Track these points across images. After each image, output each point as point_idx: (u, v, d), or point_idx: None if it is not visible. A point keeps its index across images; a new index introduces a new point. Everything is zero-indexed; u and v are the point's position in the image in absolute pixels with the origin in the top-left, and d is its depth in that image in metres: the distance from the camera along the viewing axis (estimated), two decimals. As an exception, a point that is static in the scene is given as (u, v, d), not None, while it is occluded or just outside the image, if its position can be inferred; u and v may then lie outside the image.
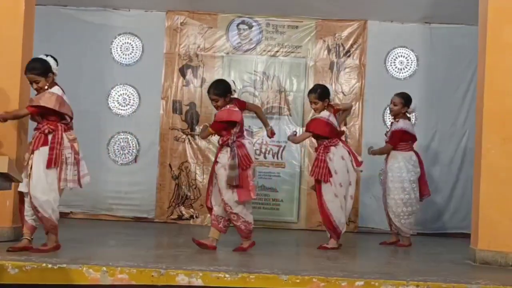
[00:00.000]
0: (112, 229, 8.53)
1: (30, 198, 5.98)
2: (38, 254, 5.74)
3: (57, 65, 6.27)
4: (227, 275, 5.17)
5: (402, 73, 10.18)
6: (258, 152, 10.03)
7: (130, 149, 10.06)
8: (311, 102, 7.70)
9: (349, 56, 10.15)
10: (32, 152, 6.04)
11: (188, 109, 10.05)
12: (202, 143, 10.05)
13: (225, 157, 6.77)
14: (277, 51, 10.19)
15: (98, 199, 9.92)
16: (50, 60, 6.20)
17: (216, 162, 6.89)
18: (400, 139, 8.24)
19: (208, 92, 7.02)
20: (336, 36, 10.15)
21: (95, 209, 9.93)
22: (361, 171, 8.16)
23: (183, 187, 10.01)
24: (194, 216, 9.99)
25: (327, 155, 7.44)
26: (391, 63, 10.17)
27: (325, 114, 7.61)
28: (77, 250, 6.31)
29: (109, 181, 9.88)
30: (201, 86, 10.10)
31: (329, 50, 10.16)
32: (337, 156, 7.47)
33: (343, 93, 10.05)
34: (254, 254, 6.79)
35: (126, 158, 10.00)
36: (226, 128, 6.83)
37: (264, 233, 8.44)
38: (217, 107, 6.94)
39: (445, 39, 10.02)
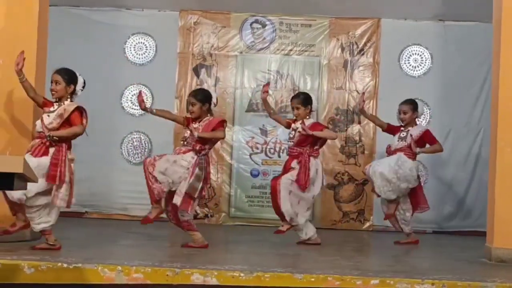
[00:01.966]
0: (126, 228, 8.55)
1: (26, 204, 5.96)
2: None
3: (83, 88, 6.36)
4: (242, 274, 5.16)
5: (416, 71, 10.15)
6: (272, 151, 10.04)
7: (142, 149, 10.08)
8: (293, 108, 7.59)
9: (363, 54, 10.13)
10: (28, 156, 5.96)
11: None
12: (217, 143, 10.03)
13: (188, 159, 6.59)
14: (290, 50, 10.18)
15: (112, 198, 9.95)
16: (80, 78, 6.32)
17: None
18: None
19: (189, 95, 6.99)
20: (350, 34, 10.13)
21: (109, 209, 9.96)
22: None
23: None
24: (209, 215, 10.00)
25: (309, 164, 7.32)
26: (405, 61, 10.15)
27: (313, 121, 7.63)
28: (92, 249, 6.32)
29: (123, 181, 9.90)
30: (215, 85, 10.11)
31: (342, 49, 10.14)
32: (313, 168, 7.37)
33: (357, 91, 10.03)
34: (269, 253, 6.79)
35: (139, 157, 10.02)
36: (208, 141, 6.74)
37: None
38: (191, 112, 6.82)
39: (459, 36, 9.98)
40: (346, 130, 10.08)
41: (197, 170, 6.55)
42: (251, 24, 10.21)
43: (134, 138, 10.11)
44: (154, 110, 7.11)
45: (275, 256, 6.61)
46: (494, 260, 6.56)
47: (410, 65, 10.14)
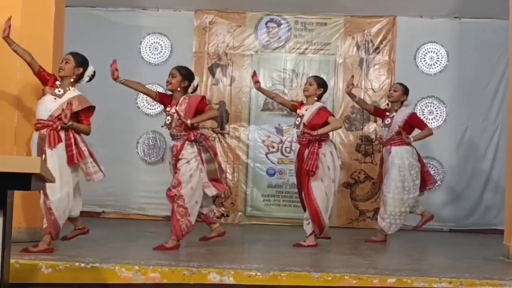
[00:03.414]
0: (143, 228, 8.57)
1: (45, 199, 5.94)
2: (30, 253, 5.73)
3: (92, 77, 6.33)
4: (258, 273, 5.17)
5: (432, 68, 10.11)
6: (288, 149, 10.04)
7: (158, 149, 10.10)
8: (306, 83, 7.54)
9: (378, 52, 10.11)
10: (44, 152, 5.92)
11: (218, 108, 10.06)
12: (233, 142, 10.08)
13: (188, 152, 6.54)
14: (306, 49, 10.18)
15: (129, 198, 9.99)
16: (90, 66, 6.30)
17: (178, 159, 6.57)
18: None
19: (173, 68, 6.81)
20: (365, 32, 10.11)
21: (126, 209, 10.00)
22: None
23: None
24: (225, 215, 10.01)
25: (320, 150, 7.20)
26: (421, 58, 10.11)
27: (320, 105, 7.46)
28: (110, 249, 6.35)
29: (140, 181, 9.94)
30: (231, 85, 10.12)
31: (358, 47, 10.12)
32: (327, 151, 7.27)
33: (372, 89, 10.01)
34: (285, 252, 6.78)
35: (154, 157, 10.04)
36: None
37: (295, 230, 8.42)
38: (168, 83, 6.65)
39: (476, 33, 9.93)
40: (362, 128, 10.06)
41: (203, 155, 6.55)
42: (266, 23, 10.21)
43: (149, 138, 10.13)
44: (123, 80, 6.94)
45: (292, 255, 6.60)
46: (512, 258, 6.53)
47: (426, 63, 10.11)
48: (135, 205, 10.02)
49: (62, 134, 5.97)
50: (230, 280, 5.14)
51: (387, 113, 8.05)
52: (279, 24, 10.21)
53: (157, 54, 10.25)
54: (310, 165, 7.09)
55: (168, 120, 6.66)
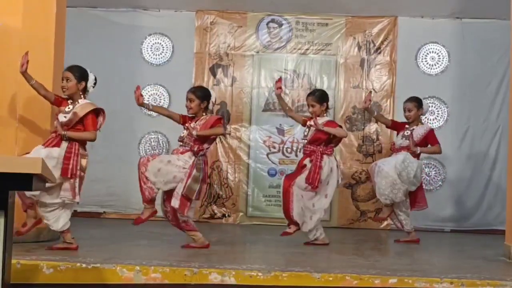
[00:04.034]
0: (144, 228, 8.54)
1: (40, 199, 5.97)
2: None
3: (94, 85, 6.36)
4: (259, 274, 5.17)
5: (434, 69, 10.11)
6: (289, 150, 10.04)
7: (160, 149, 10.11)
8: (308, 105, 7.54)
9: (379, 53, 10.11)
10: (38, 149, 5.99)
11: (219, 108, 10.07)
12: (234, 142, 10.08)
13: (185, 159, 6.52)
14: (307, 49, 10.18)
15: (130, 199, 9.98)
16: (91, 74, 6.33)
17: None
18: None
19: (188, 91, 6.87)
20: (366, 33, 10.11)
21: (127, 209, 9.99)
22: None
23: (215, 186, 10.03)
24: (227, 215, 10.02)
25: (321, 162, 7.25)
26: (422, 59, 10.11)
27: (329, 118, 7.58)
28: (111, 249, 6.35)
29: (141, 181, 9.92)
30: (232, 85, 10.13)
31: (359, 47, 10.12)
32: (327, 166, 7.28)
33: (374, 90, 10.00)
34: (286, 252, 6.78)
35: (157, 157, 10.05)
36: (206, 140, 6.67)
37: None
38: (189, 108, 6.74)
39: (477, 34, 9.94)
40: (363, 129, 10.06)
41: (194, 171, 6.47)
42: (267, 24, 10.22)
43: (152, 138, 10.14)
44: (151, 106, 7.12)
45: (293, 255, 6.60)
46: (513, 259, 6.53)
47: (427, 63, 10.11)
48: (136, 206, 9.96)
49: (64, 144, 6.05)
50: (231, 281, 5.14)
51: (407, 126, 8.12)
52: (280, 25, 10.22)
53: (158, 55, 10.25)
54: (313, 178, 7.18)
55: (183, 133, 6.74)
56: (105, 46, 9.96)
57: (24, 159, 3.21)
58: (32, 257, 5.40)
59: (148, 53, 10.25)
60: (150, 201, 6.56)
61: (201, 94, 6.78)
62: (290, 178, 7.38)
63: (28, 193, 5.87)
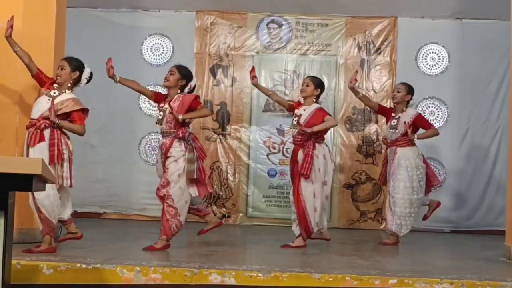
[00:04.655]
0: (145, 229, 8.57)
1: (33, 199, 5.92)
2: (32, 253, 5.73)
3: (89, 80, 6.35)
4: (259, 274, 5.17)
5: (434, 69, 10.11)
6: (289, 150, 10.00)
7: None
8: (303, 84, 7.48)
9: (379, 53, 10.11)
10: (27, 150, 5.98)
11: (219, 109, 10.07)
12: (234, 143, 10.08)
13: (177, 150, 6.54)
14: (307, 50, 10.18)
15: (130, 199, 9.99)
16: (87, 68, 6.33)
17: (167, 157, 6.57)
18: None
19: (172, 66, 6.86)
20: (366, 33, 10.11)
21: (128, 209, 10.00)
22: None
23: (215, 186, 10.03)
24: (227, 215, 10.01)
25: (314, 152, 7.17)
26: (422, 59, 10.11)
27: (318, 106, 7.43)
28: (111, 250, 6.35)
29: (141, 181, 9.93)
30: (232, 85, 10.13)
31: (359, 48, 10.12)
32: (321, 154, 7.24)
33: (374, 90, 10.01)
34: (286, 253, 6.78)
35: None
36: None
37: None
38: (166, 79, 6.67)
39: (477, 34, 9.93)
40: (364, 129, 10.06)
41: (187, 154, 6.51)
42: (267, 24, 10.22)
43: (152, 139, 10.14)
44: (118, 78, 6.89)
45: (293, 256, 6.60)
46: (513, 259, 6.53)
47: (427, 64, 10.11)
48: (136, 206, 10.02)
49: (46, 133, 5.99)
50: (231, 281, 5.14)
51: (393, 114, 7.97)
52: (280, 25, 10.22)
53: (158, 55, 10.25)
54: (305, 168, 7.09)
55: (160, 115, 6.68)
56: (105, 46, 9.94)
57: (24, 160, 3.21)
58: (32, 257, 5.41)
59: (148, 54, 10.25)
60: (205, 214, 6.87)
61: (184, 71, 6.76)
62: (294, 188, 7.28)
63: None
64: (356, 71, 8.55)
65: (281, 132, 10.10)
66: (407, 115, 7.83)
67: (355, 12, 10.03)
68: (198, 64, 10.14)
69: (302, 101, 7.50)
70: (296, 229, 7.26)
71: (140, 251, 6.44)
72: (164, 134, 6.67)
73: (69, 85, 6.18)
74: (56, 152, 5.95)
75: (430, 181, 8.00)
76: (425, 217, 8.17)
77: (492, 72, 9.90)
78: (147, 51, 10.25)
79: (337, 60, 10.14)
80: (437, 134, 8.01)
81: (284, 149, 10.06)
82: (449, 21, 10.04)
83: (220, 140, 10.07)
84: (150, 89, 6.90)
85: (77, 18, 9.41)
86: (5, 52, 6.22)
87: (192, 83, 6.82)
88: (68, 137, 6.15)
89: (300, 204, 7.16)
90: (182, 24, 10.20)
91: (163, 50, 10.26)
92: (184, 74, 6.73)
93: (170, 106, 6.58)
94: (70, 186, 6.13)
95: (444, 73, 10.10)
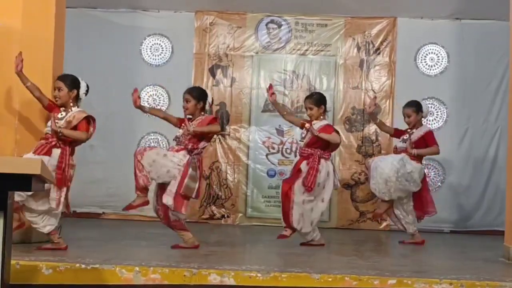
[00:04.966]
0: (144, 229, 8.57)
1: (26, 205, 5.94)
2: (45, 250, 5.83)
3: (87, 93, 6.39)
4: (259, 274, 5.16)
5: (433, 70, 10.12)
6: (288, 151, 10.05)
7: (159, 150, 10.12)
8: (306, 108, 7.50)
9: (379, 53, 10.11)
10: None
11: (218, 109, 10.08)
12: (233, 143, 10.08)
13: (180, 157, 6.53)
14: (306, 50, 10.18)
15: (130, 199, 9.91)
16: (82, 82, 6.36)
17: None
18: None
19: (184, 92, 6.87)
20: (366, 33, 10.12)
21: (127, 210, 9.99)
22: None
23: (214, 187, 10.03)
24: (226, 216, 10.02)
25: (318, 166, 7.20)
26: (421, 60, 10.12)
27: (327, 122, 7.55)
28: (110, 250, 6.34)
29: (140, 182, 9.91)
30: (231, 86, 10.14)
31: (358, 48, 10.13)
32: (324, 170, 7.25)
33: (373, 91, 10.01)
34: (285, 253, 6.78)
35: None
36: (202, 139, 6.67)
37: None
38: (185, 109, 6.76)
39: (476, 35, 9.94)
40: (363, 129, 10.06)
41: (190, 170, 6.47)
42: (266, 24, 10.22)
43: (151, 138, 10.14)
44: (147, 109, 7.11)
45: (292, 256, 6.60)
46: (512, 260, 6.53)
47: (426, 64, 10.11)
48: (136, 206, 10.00)
49: (55, 152, 6.05)
50: (231, 281, 5.14)
51: (408, 130, 8.09)
52: (280, 25, 10.22)
53: (158, 55, 10.25)
54: (309, 181, 7.13)
55: (179, 132, 6.75)
56: (104, 46, 9.97)
57: (23, 160, 3.21)
58: (31, 257, 5.40)
59: (147, 54, 10.25)
60: (143, 190, 6.54)
61: (197, 94, 6.80)
62: (289, 181, 7.32)
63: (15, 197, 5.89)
64: (375, 97, 8.61)
65: (280, 132, 10.11)
66: (419, 131, 8.00)
67: (354, 13, 10.04)
68: (197, 64, 10.15)
69: (313, 122, 7.50)
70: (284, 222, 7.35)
71: (140, 251, 6.44)
72: (177, 143, 6.72)
73: (71, 103, 6.26)
74: (63, 177, 6.00)
75: (426, 207, 8.04)
76: (401, 242, 8.14)
77: (491, 72, 9.91)
78: (147, 51, 10.25)
79: (336, 61, 10.15)
80: (437, 153, 8.13)
81: (284, 149, 10.07)
82: (448, 21, 10.05)
83: (220, 140, 10.07)
84: (175, 116, 6.97)
85: (77, 18, 9.41)
86: (4, 53, 6.22)
87: (209, 99, 6.89)
88: (73, 166, 6.19)
89: (288, 200, 7.20)
90: (181, 24, 10.21)
91: (163, 50, 10.26)
92: (198, 96, 6.79)
93: (185, 123, 6.62)
94: (68, 212, 6.24)
95: (443, 73, 10.10)
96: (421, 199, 8.02)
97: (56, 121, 6.12)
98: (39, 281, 5.12)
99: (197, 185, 6.53)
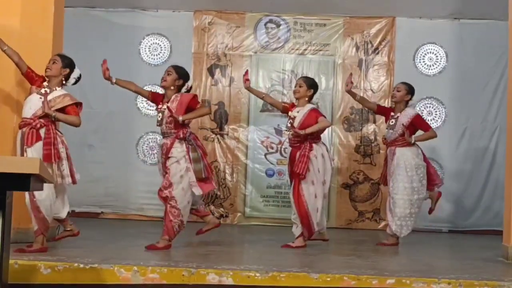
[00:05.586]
0: (142, 229, 8.58)
1: (32, 198, 5.90)
2: (25, 253, 5.72)
3: (77, 80, 6.37)
4: (257, 274, 5.17)
5: (431, 69, 10.12)
6: (287, 150, 10.00)
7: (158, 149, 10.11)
8: (296, 85, 7.45)
9: (377, 53, 10.11)
10: (25, 150, 5.96)
11: (217, 109, 10.07)
12: (232, 143, 10.08)
13: (178, 151, 6.55)
14: (305, 49, 10.18)
15: (128, 199, 9.99)
16: (77, 69, 6.35)
17: (167, 157, 6.58)
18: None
19: (170, 66, 6.86)
20: (364, 33, 10.11)
21: (126, 209, 9.99)
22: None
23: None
24: (224, 215, 10.01)
25: (311, 152, 7.13)
26: (420, 59, 10.12)
27: (312, 106, 7.43)
28: (109, 250, 6.35)
29: (139, 181, 9.93)
30: (230, 85, 10.13)
31: (357, 48, 10.13)
32: (319, 154, 7.20)
33: (372, 90, 10.01)
34: (284, 252, 6.79)
35: (154, 158, 10.04)
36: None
37: (294, 231, 8.42)
38: (164, 80, 6.69)
39: (475, 35, 9.94)
40: (361, 129, 10.06)
41: (191, 154, 6.51)
42: (265, 24, 10.22)
43: (149, 138, 10.13)
44: (114, 80, 6.96)
45: (291, 255, 6.60)
46: (511, 259, 6.53)
47: (425, 64, 10.11)
48: (134, 206, 10.02)
49: (42, 132, 5.98)
50: (229, 281, 5.14)
51: (392, 113, 7.88)
52: (278, 25, 10.22)
53: (156, 55, 10.25)
54: (301, 168, 7.06)
55: (159, 117, 6.70)
56: (103, 46, 9.94)
57: (22, 159, 3.21)
58: (30, 257, 5.40)
59: (146, 54, 10.24)
60: (205, 214, 6.95)
61: (181, 71, 6.78)
62: (293, 190, 7.23)
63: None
64: (351, 74, 8.45)
65: (279, 132, 10.10)
66: (405, 115, 7.75)
67: (353, 12, 10.03)
68: (196, 64, 10.14)
69: (295, 103, 7.47)
70: (296, 230, 7.25)
71: (138, 251, 6.44)
72: (164, 134, 6.68)
73: (58, 81, 6.17)
74: (52, 151, 5.95)
75: (432, 179, 7.94)
76: (430, 210, 8.09)
77: (490, 72, 9.91)
78: (145, 51, 10.25)
79: (335, 60, 10.14)
80: (434, 136, 7.90)
81: (282, 149, 10.06)
82: (447, 21, 10.05)
83: (218, 140, 10.07)
84: (147, 89, 6.88)
85: (75, 18, 9.42)
86: (2, 52, 6.21)
87: (189, 83, 6.84)
88: (62, 135, 6.16)
89: (302, 205, 7.13)
90: (180, 23, 10.20)
91: (161, 50, 10.25)
92: (181, 74, 6.75)
93: (168, 108, 6.57)
94: (73, 183, 6.15)
95: (442, 73, 10.10)
96: (428, 175, 7.92)
97: (38, 96, 6.02)
98: (37, 280, 5.12)
99: (201, 164, 6.55)
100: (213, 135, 10.07)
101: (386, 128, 7.96)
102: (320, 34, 10.16)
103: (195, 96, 6.80)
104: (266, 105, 10.04)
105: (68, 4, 7.52)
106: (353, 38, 10.13)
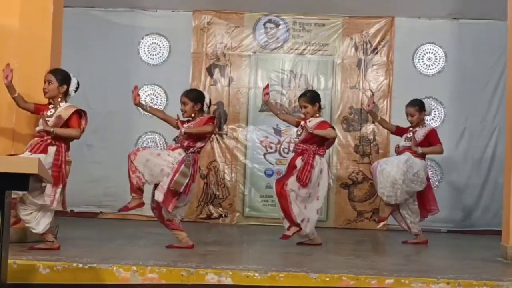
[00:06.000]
0: (141, 228, 8.57)
1: (21, 205, 5.91)
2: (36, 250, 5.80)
3: (77, 90, 6.36)
4: (256, 274, 5.16)
5: (430, 69, 10.12)
6: (286, 150, 10.04)
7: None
8: (301, 107, 7.51)
9: (376, 53, 10.11)
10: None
11: (216, 109, 10.07)
12: (231, 142, 10.08)
13: (175, 155, 6.57)
14: (304, 49, 10.18)
15: (127, 199, 9.91)
16: (73, 79, 6.33)
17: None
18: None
19: (181, 94, 6.88)
20: (363, 33, 10.12)
21: (125, 209, 9.98)
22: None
23: (212, 186, 10.03)
24: (223, 215, 10.02)
25: (314, 161, 7.20)
26: (419, 59, 10.12)
27: (323, 119, 7.52)
28: (108, 249, 6.34)
29: (138, 181, 9.92)
30: (229, 85, 10.13)
31: (356, 48, 10.13)
32: (318, 167, 7.23)
33: (370, 90, 10.00)
34: (283, 252, 6.78)
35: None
36: (199, 138, 6.68)
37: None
38: (183, 112, 6.76)
39: (474, 35, 9.95)
40: (360, 129, 10.06)
41: (183, 167, 6.47)
42: (264, 24, 10.22)
43: (149, 138, 10.13)
44: (148, 108, 7.13)
45: (290, 255, 6.60)
46: (510, 259, 6.52)
47: (424, 64, 10.12)
48: (133, 206, 10.00)
49: (51, 150, 6.03)
50: (228, 281, 5.14)
51: (410, 128, 8.06)
52: (277, 25, 10.22)
53: (155, 55, 10.25)
54: (305, 176, 7.12)
55: (180, 133, 6.76)
56: (102, 46, 9.96)
57: (20, 159, 3.21)
58: (29, 257, 5.39)
59: (145, 53, 10.24)
60: (138, 191, 6.57)
61: (193, 96, 6.81)
62: (280, 181, 7.30)
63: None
64: (372, 94, 8.58)
65: (277, 132, 10.11)
66: (423, 130, 7.96)
67: (352, 12, 10.04)
68: (195, 63, 10.14)
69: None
70: (285, 222, 7.31)
71: (137, 251, 6.44)
72: (176, 143, 6.75)
73: (59, 99, 6.22)
74: (60, 174, 6.00)
75: (428, 205, 8.04)
76: (405, 242, 8.14)
77: (489, 72, 9.92)
78: (144, 51, 10.25)
79: (334, 60, 10.15)
80: (440, 152, 8.10)
81: (281, 149, 10.07)
82: (446, 21, 10.06)
83: (217, 139, 10.07)
84: (175, 118, 6.95)
85: (74, 18, 9.41)
86: (1, 52, 6.21)
87: (206, 100, 6.88)
88: (69, 163, 6.18)
89: (283, 196, 7.16)
90: (179, 23, 10.20)
91: (160, 50, 10.25)
92: (195, 98, 6.79)
93: (179, 123, 6.69)
94: (64, 209, 6.22)
95: (441, 73, 10.11)
96: (424, 198, 8.01)
97: (47, 119, 6.09)
98: (36, 280, 5.11)
99: (187, 181, 6.47)
100: (212, 135, 10.06)
101: (404, 139, 8.07)
102: (319, 34, 10.16)
103: (211, 118, 6.86)
104: (265, 105, 10.03)
105: (67, 3, 7.51)
106: (352, 38, 10.13)
